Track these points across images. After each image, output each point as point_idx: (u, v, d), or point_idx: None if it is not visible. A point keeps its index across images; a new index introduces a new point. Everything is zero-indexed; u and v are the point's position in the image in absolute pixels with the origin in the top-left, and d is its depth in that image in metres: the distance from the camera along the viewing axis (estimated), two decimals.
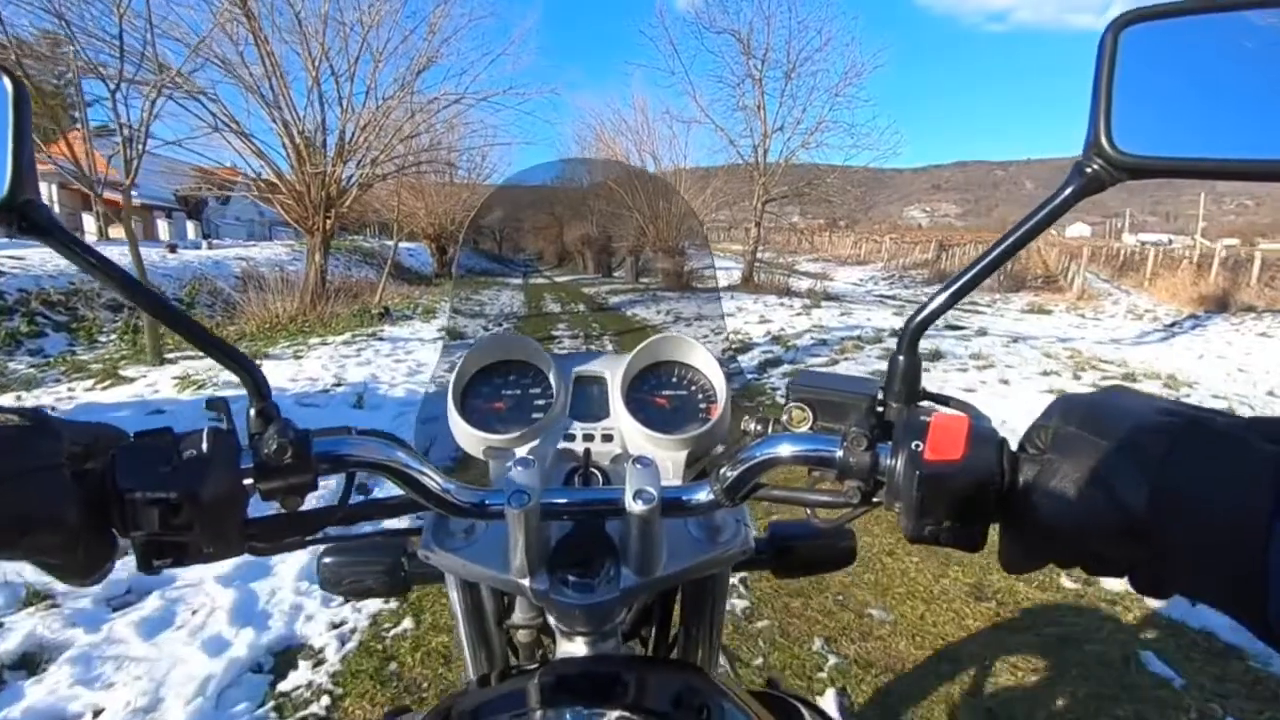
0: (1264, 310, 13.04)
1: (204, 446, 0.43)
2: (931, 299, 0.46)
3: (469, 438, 0.66)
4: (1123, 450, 0.36)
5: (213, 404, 0.48)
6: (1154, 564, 0.36)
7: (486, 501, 0.53)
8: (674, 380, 0.72)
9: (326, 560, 0.77)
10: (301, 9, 8.27)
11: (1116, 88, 0.41)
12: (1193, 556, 0.33)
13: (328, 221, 9.17)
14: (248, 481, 0.45)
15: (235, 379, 0.47)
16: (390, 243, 27.55)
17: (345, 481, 0.53)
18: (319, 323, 8.67)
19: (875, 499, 0.46)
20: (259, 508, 0.47)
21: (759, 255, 18.00)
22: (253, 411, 0.48)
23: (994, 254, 0.44)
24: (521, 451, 0.65)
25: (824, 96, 16.26)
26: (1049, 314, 13.77)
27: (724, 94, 17.07)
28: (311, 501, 0.49)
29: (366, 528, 0.60)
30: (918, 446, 0.42)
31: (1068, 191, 0.42)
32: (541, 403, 0.69)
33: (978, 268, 0.45)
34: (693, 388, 0.71)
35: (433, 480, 0.52)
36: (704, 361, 0.71)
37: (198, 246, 18.12)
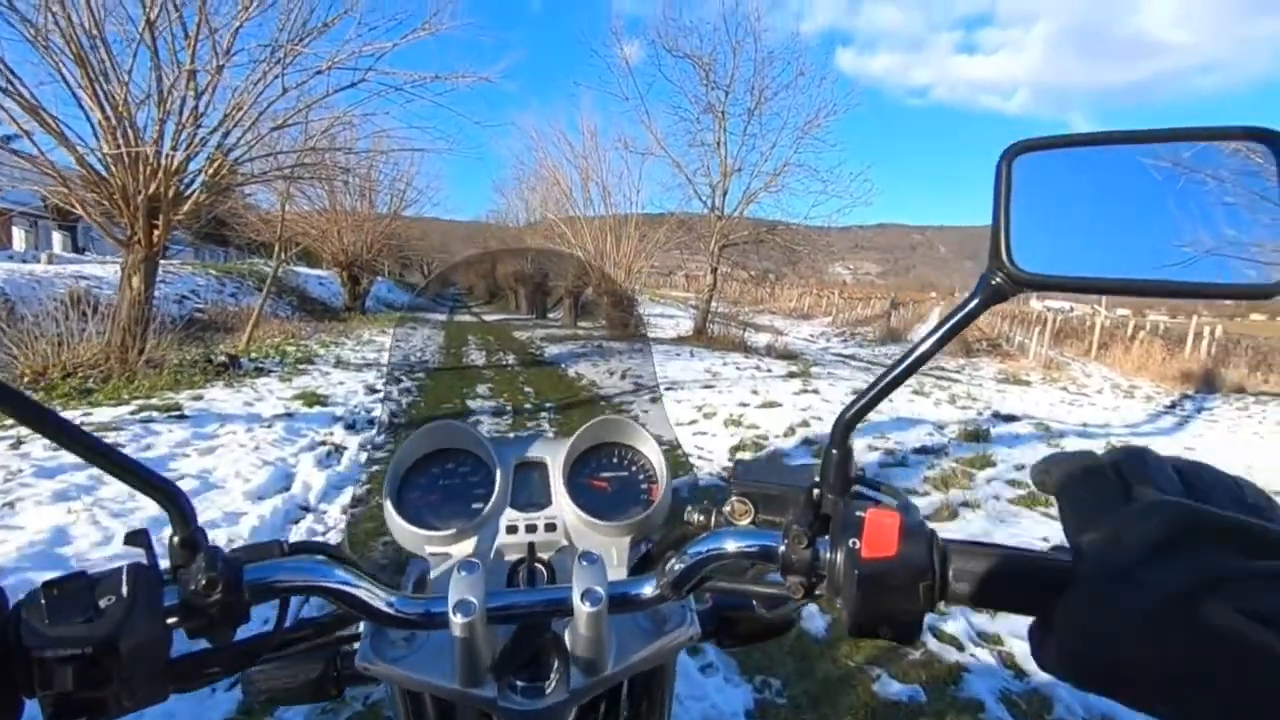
0: (1259, 394, 12.30)
1: (124, 589, 0.40)
2: (860, 397, 0.49)
3: (408, 536, 0.63)
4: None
5: (133, 538, 0.44)
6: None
7: (430, 611, 0.50)
8: (615, 462, 0.71)
9: (252, 669, 0.63)
10: None
11: (1013, 209, 0.46)
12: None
13: (154, 232, 6.47)
14: (172, 620, 0.43)
15: None
16: (303, 270, 24.84)
17: (280, 608, 0.51)
18: (118, 377, 5.94)
19: (817, 592, 0.48)
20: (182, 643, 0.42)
21: (713, 305, 16.19)
22: (176, 540, 0.45)
23: (915, 355, 0.48)
24: (463, 549, 0.63)
25: (791, 135, 14.77)
26: (1028, 385, 12.68)
27: (682, 127, 15.33)
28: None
29: (302, 645, 0.57)
30: (854, 544, 0.44)
31: (975, 301, 0.46)
32: (481, 491, 0.67)
33: (900, 368, 0.48)
34: (633, 469, 0.71)
35: (374, 595, 0.50)
36: (644, 443, 0.71)
37: (35, 260, 14.71)
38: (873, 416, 4.96)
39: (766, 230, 16.30)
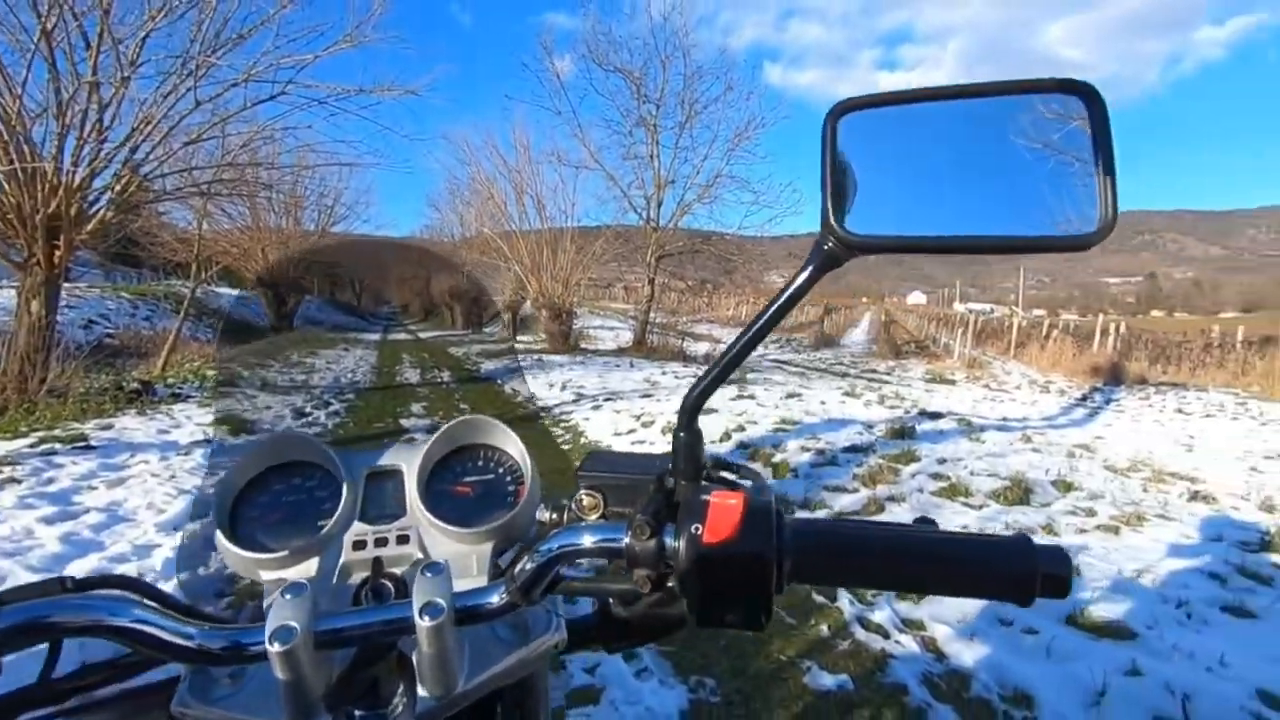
0: (1159, 384, 13.20)
1: None
2: (704, 377, 0.50)
3: (238, 560, 0.56)
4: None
5: None
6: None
7: (242, 642, 0.45)
8: (479, 465, 0.67)
9: None
10: None
11: (840, 171, 0.46)
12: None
13: (56, 253, 6.09)
14: None
15: None
16: (224, 290, 23.69)
17: (48, 653, 0.46)
18: (16, 409, 5.55)
19: (669, 583, 0.46)
20: None
21: (651, 316, 16.31)
22: None
23: (756, 327, 0.49)
24: (303, 571, 0.57)
25: (722, 148, 15.08)
26: (953, 384, 13.23)
27: (615, 140, 15.46)
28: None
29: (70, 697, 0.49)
30: (697, 529, 0.43)
31: (810, 269, 0.46)
32: (329, 507, 0.61)
33: (743, 342, 0.49)
34: (500, 470, 0.67)
35: (169, 630, 0.44)
36: (508, 442, 0.68)
37: None
38: (805, 419, 5.09)
39: (701, 241, 16.55)
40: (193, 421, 5.70)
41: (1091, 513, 3.83)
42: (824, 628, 2.54)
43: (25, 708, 0.44)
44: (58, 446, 4.46)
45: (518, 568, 0.49)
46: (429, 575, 0.47)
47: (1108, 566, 3.00)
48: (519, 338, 19.88)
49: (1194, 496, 4.37)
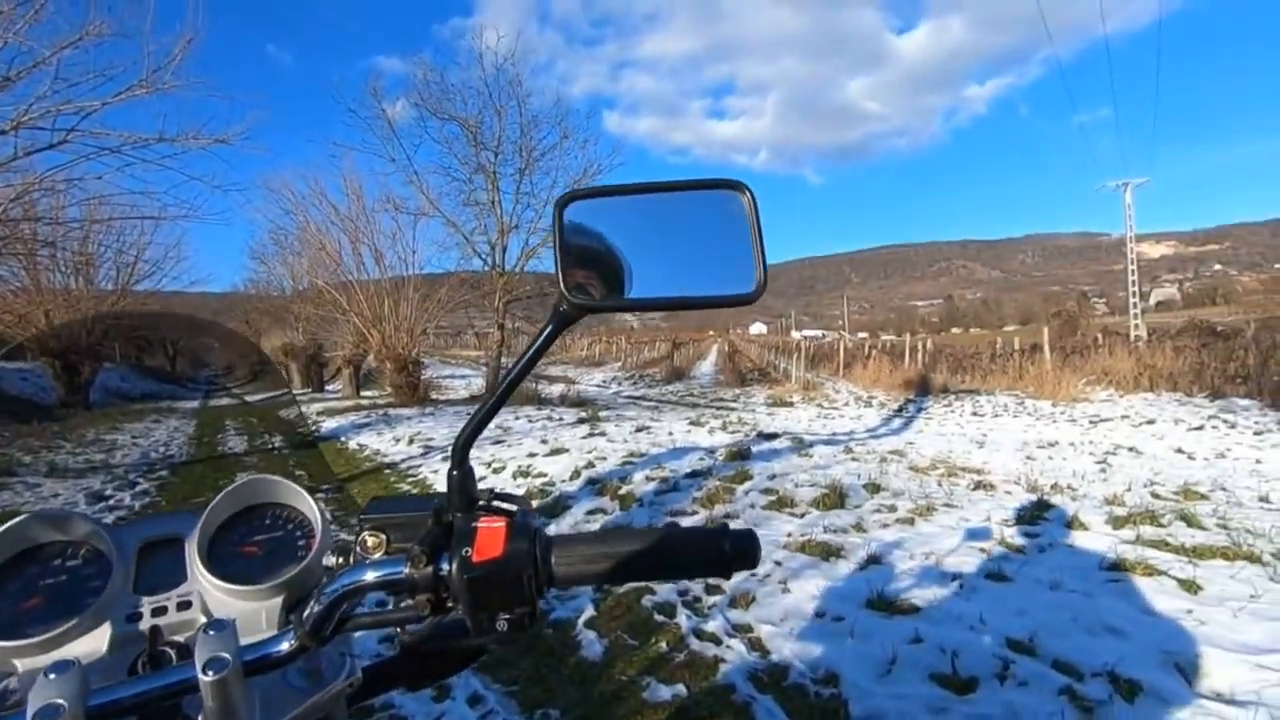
0: (958, 391, 15.05)
1: None
2: (473, 419, 0.56)
3: None
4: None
5: None
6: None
7: None
8: (267, 524, 0.67)
9: None
10: None
11: (568, 248, 0.56)
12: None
13: None
14: None
15: None
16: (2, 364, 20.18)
17: None
18: None
19: (449, 605, 0.51)
20: None
21: (503, 362, 16.16)
22: None
23: (512, 375, 0.56)
24: (62, 654, 0.54)
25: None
26: (792, 405, 14.26)
27: (454, 187, 15.32)
28: None
29: None
30: (467, 552, 0.49)
31: (551, 327, 0.55)
32: (98, 584, 0.59)
33: (503, 388, 0.56)
34: (290, 526, 0.67)
35: None
36: (295, 498, 0.68)
37: None
38: (651, 450, 5.34)
39: (550, 284, 16.69)
40: None
41: (893, 509, 4.35)
42: (663, 644, 2.69)
43: None
44: None
45: (306, 612, 0.51)
46: (212, 634, 0.46)
47: (903, 554, 3.44)
48: (364, 393, 18.83)
49: (978, 486, 5.09)
